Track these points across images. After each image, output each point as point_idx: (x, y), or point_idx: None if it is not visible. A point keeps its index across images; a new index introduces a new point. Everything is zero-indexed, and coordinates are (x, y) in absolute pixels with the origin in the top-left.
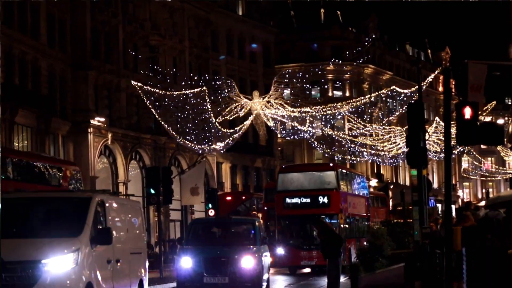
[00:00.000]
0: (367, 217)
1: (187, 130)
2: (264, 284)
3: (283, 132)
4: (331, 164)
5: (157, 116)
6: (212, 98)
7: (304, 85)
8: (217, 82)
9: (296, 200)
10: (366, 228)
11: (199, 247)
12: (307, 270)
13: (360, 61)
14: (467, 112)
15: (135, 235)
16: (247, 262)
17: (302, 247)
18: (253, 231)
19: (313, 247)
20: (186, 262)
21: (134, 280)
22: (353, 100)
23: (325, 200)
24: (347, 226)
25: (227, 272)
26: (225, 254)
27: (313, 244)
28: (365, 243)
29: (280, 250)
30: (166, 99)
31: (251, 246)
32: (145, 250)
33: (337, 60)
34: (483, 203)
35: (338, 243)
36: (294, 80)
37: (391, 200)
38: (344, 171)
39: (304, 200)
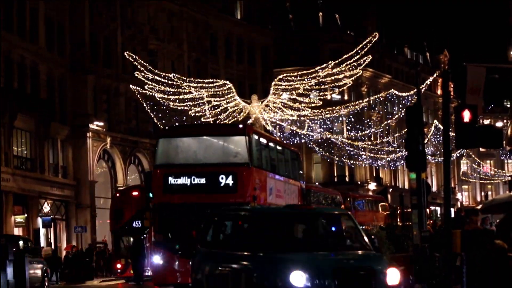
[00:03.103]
0: None
1: None
2: None
3: (282, 135)
4: (240, 126)
5: (155, 120)
6: (211, 101)
7: (303, 89)
8: (216, 86)
9: (183, 180)
10: None
11: (304, 255)
12: None
13: (359, 64)
14: (466, 115)
15: None
16: (393, 278)
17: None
18: (346, 228)
19: None
20: (297, 278)
21: None
22: (352, 103)
23: (230, 181)
24: None
25: None
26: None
27: None
28: None
29: (156, 259)
30: (165, 103)
31: (373, 252)
32: None
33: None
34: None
35: None
36: (293, 84)
37: (384, 204)
38: (263, 140)
39: (197, 180)
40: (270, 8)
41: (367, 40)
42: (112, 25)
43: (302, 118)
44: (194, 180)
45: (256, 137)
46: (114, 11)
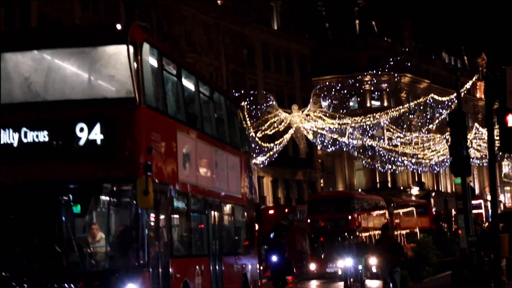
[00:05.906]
0: (246, 204)
1: None
2: None
3: (323, 144)
4: (119, 27)
5: None
6: (252, 113)
7: (342, 97)
8: (255, 97)
9: (6, 136)
10: (244, 230)
11: None
12: None
13: (395, 73)
14: (510, 119)
15: None
16: None
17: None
18: None
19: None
20: None
21: None
22: (392, 109)
23: (98, 135)
24: (183, 219)
25: None
26: None
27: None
28: (247, 266)
29: None
30: None
31: None
32: None
33: (373, 70)
34: None
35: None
36: (332, 92)
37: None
38: (168, 61)
39: (33, 135)
40: (306, 18)
41: (404, 46)
42: None
43: (342, 126)
44: (27, 136)
45: (151, 52)
46: (150, 25)
